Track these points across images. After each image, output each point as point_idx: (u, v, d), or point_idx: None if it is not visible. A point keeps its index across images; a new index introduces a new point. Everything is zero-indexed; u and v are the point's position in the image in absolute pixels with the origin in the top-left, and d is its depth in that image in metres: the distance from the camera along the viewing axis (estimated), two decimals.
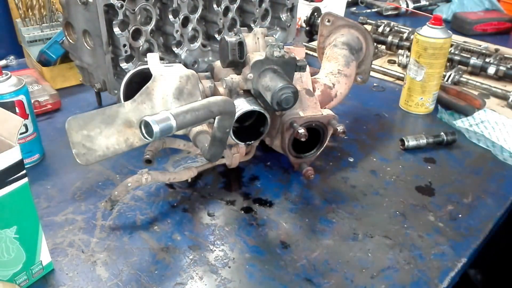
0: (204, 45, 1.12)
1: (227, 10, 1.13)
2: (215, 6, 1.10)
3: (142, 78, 0.76)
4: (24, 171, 0.58)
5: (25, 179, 0.58)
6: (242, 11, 1.21)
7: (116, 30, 0.94)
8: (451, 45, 1.35)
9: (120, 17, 0.92)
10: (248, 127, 0.84)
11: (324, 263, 0.69)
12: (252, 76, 0.79)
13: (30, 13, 1.27)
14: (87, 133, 0.72)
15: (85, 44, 0.97)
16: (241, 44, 0.81)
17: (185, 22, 1.06)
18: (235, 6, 1.15)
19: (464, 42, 1.48)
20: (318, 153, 0.87)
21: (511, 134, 1.00)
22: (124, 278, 0.65)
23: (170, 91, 0.74)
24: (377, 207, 0.80)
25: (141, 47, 1.00)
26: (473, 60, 1.28)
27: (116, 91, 0.97)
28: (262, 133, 0.83)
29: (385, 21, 1.57)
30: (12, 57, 1.33)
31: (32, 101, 0.90)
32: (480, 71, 1.28)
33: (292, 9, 1.27)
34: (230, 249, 0.71)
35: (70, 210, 0.77)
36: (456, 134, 0.98)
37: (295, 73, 0.82)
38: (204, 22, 1.14)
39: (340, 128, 0.81)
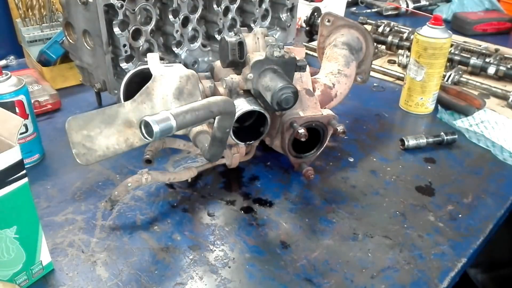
0: (204, 45, 1.13)
1: (227, 10, 1.13)
2: (215, 6, 1.10)
3: (142, 78, 0.76)
4: (24, 171, 0.58)
5: (25, 179, 0.58)
6: (242, 11, 1.21)
7: (116, 30, 0.94)
8: (451, 45, 1.35)
9: (120, 17, 0.92)
10: (248, 127, 0.84)
11: (324, 263, 0.69)
12: (252, 76, 0.79)
13: (30, 13, 1.27)
14: (87, 133, 0.72)
15: (85, 44, 0.97)
16: (241, 44, 0.81)
17: (185, 22, 1.06)
18: (235, 6, 1.15)
19: (464, 42, 1.48)
20: (318, 153, 0.87)
21: (511, 134, 1.00)
22: (124, 278, 0.65)
23: (170, 91, 0.74)
24: (377, 207, 0.80)
25: (141, 47, 1.00)
26: (473, 60, 1.28)
27: (116, 91, 0.97)
28: (262, 133, 0.83)
29: (385, 21, 1.57)
30: (12, 57, 1.33)
31: (32, 101, 0.90)
32: (480, 71, 1.28)
33: (292, 9, 1.27)
34: (230, 249, 0.71)
35: (70, 210, 0.77)
36: (456, 134, 0.98)
37: (295, 73, 0.82)
38: (204, 22, 1.14)
39: (340, 128, 0.81)
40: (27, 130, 0.85)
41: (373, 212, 0.79)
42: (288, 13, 1.28)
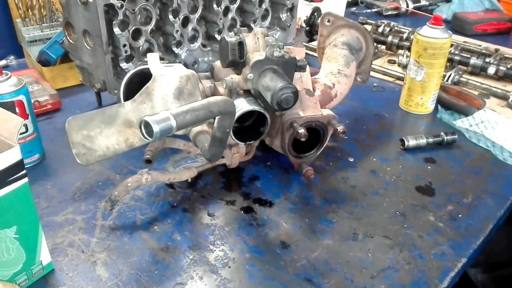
0: (204, 45, 1.13)
1: (227, 10, 1.13)
2: (215, 6, 1.10)
3: (142, 78, 0.76)
4: (24, 171, 0.58)
5: (25, 179, 0.58)
6: (242, 11, 1.21)
7: (116, 30, 0.94)
8: (451, 45, 1.35)
9: (120, 17, 0.92)
10: (248, 127, 0.84)
11: (324, 263, 0.69)
12: (252, 76, 0.79)
13: (30, 13, 1.27)
14: (87, 133, 0.72)
15: (85, 44, 0.97)
16: (241, 44, 0.81)
17: (185, 22, 1.06)
18: (235, 6, 1.15)
19: (464, 42, 1.48)
20: (318, 153, 0.87)
21: (511, 134, 1.00)
22: (124, 278, 0.65)
23: (170, 91, 0.74)
24: (377, 207, 0.80)
25: (141, 47, 1.00)
26: (473, 60, 1.28)
27: (116, 91, 0.97)
28: (262, 133, 0.83)
29: (385, 21, 1.57)
30: (12, 57, 1.33)
31: (32, 101, 0.90)
32: (480, 71, 1.28)
33: (292, 9, 1.27)
34: (230, 249, 0.71)
35: (70, 210, 0.77)
36: (456, 134, 0.98)
37: (295, 73, 0.82)
38: (204, 22, 1.14)
39: (340, 128, 0.81)
40: (27, 130, 0.85)
41: (373, 212, 0.79)
42: (288, 13, 1.28)
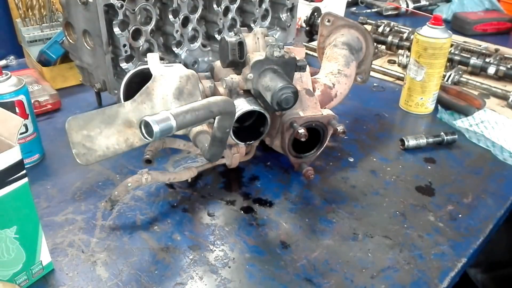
0: (204, 45, 1.13)
1: (227, 10, 1.13)
2: (215, 6, 1.10)
3: (142, 78, 0.76)
4: (24, 171, 0.58)
5: (25, 179, 0.58)
6: (242, 11, 1.21)
7: (116, 30, 0.94)
8: (451, 45, 1.35)
9: (120, 17, 0.92)
10: (248, 127, 0.84)
11: (324, 263, 0.69)
12: (252, 76, 0.79)
13: (30, 13, 1.27)
14: (87, 133, 0.72)
15: (85, 44, 0.97)
16: (241, 44, 0.81)
17: (185, 22, 1.06)
18: (235, 6, 1.15)
19: (464, 42, 1.48)
20: (318, 153, 0.87)
21: (511, 134, 1.00)
22: (124, 278, 0.65)
23: (170, 91, 0.74)
24: (377, 207, 0.80)
25: (141, 47, 1.00)
26: (473, 60, 1.28)
27: (116, 91, 0.97)
28: (262, 133, 0.83)
29: (385, 21, 1.57)
30: (12, 57, 1.33)
31: (32, 101, 0.90)
32: (480, 71, 1.28)
33: (292, 9, 1.27)
34: (230, 249, 0.71)
35: (70, 210, 0.77)
36: (456, 134, 0.98)
37: (295, 73, 0.82)
38: (204, 22, 1.14)
39: (340, 128, 0.81)
40: (27, 130, 0.85)
41: (373, 212, 0.79)
42: (288, 13, 1.28)
